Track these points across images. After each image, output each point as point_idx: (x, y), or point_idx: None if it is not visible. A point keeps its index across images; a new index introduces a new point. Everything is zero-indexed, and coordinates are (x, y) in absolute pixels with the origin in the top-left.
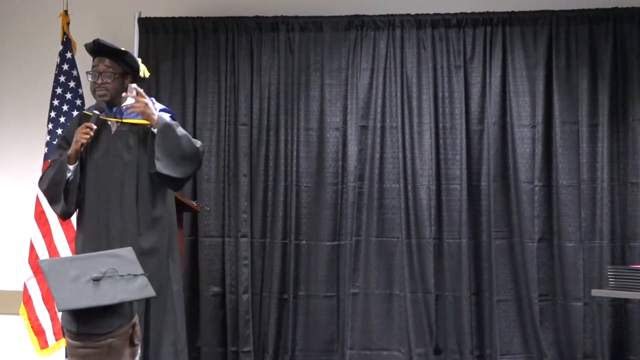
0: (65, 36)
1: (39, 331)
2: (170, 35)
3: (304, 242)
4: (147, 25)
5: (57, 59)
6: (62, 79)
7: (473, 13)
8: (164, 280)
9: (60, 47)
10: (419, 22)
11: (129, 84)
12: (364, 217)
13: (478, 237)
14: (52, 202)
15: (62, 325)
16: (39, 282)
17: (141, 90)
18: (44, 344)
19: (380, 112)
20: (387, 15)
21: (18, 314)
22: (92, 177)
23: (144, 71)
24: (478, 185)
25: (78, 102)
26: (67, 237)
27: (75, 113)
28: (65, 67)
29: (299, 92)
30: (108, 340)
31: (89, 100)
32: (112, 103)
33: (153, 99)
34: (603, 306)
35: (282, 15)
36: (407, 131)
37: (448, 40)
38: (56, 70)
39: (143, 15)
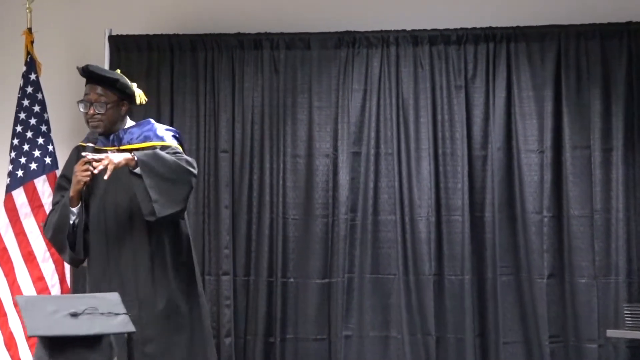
0: (29, 56)
1: None
2: (144, 54)
3: (291, 280)
4: (119, 44)
5: (20, 81)
6: (25, 102)
7: (474, 28)
8: (188, 317)
9: (24, 68)
10: (415, 38)
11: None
12: (357, 252)
13: (482, 274)
14: (59, 250)
15: None
16: (1, 326)
17: (92, 156)
18: None
19: (374, 137)
20: (381, 31)
21: None
22: (97, 216)
23: (140, 97)
24: (481, 216)
25: (43, 128)
26: (32, 277)
27: (40, 140)
28: (29, 89)
29: (285, 116)
30: None
31: (56, 126)
32: (108, 131)
33: (152, 120)
34: (619, 348)
35: (265, 32)
36: (403, 158)
37: (447, 58)
38: (19, 93)
39: (114, 33)
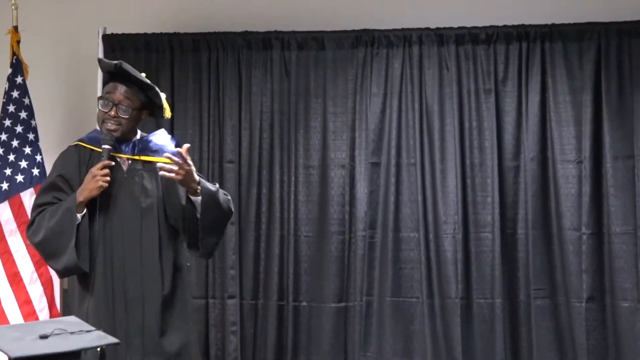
0: (15, 57)
1: None
2: (141, 55)
3: (304, 303)
4: (114, 43)
5: (5, 85)
6: (11, 108)
7: (505, 26)
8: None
9: (9, 70)
10: (440, 37)
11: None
12: (376, 273)
13: (514, 297)
14: (50, 256)
15: None
16: None
17: (186, 156)
18: None
19: (394, 146)
20: (403, 29)
21: None
22: (103, 227)
23: (167, 110)
24: (513, 233)
25: (31, 136)
26: (17, 300)
27: (27, 150)
28: (15, 94)
29: (296, 123)
30: None
31: (44, 134)
32: (123, 138)
33: (163, 129)
34: None
35: (276, 31)
36: (427, 169)
37: (476, 59)
38: (4, 98)
39: (108, 32)
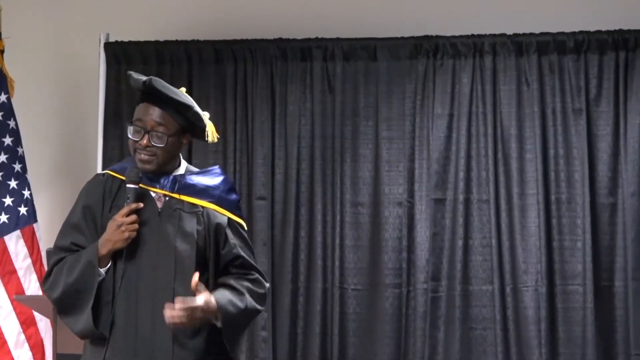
0: None
1: None
2: (152, 67)
3: None
4: (118, 53)
5: None
6: None
7: (599, 32)
8: None
9: None
10: (518, 45)
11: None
12: (440, 335)
13: None
14: (66, 316)
15: None
16: None
17: (181, 306)
18: None
19: (462, 178)
20: (472, 36)
21: None
22: (127, 277)
23: (212, 134)
24: (610, 286)
25: (17, 166)
26: None
27: (13, 183)
28: None
29: (342, 150)
30: None
31: (34, 165)
32: (161, 170)
33: (221, 170)
34: None
35: (317, 38)
36: (503, 207)
37: (562, 72)
38: None
39: (112, 39)
